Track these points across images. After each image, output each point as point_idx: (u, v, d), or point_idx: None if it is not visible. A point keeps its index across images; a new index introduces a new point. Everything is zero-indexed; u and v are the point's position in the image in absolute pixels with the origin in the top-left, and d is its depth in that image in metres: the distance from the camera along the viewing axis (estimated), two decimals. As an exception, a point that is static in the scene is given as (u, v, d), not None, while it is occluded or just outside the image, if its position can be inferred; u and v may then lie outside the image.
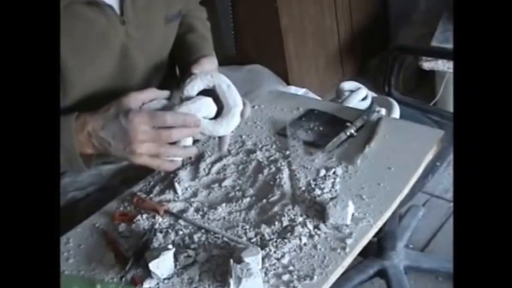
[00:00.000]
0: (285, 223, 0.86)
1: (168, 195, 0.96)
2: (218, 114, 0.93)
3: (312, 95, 1.69)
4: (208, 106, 0.92)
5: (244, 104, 0.94)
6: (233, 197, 0.95)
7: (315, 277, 0.77)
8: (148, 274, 0.80)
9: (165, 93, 0.92)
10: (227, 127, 0.93)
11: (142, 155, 0.87)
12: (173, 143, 0.89)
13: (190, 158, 1.03)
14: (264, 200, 0.92)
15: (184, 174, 1.00)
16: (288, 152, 1.03)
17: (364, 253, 1.11)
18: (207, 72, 0.94)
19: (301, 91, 1.77)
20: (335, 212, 0.84)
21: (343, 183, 0.94)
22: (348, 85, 1.46)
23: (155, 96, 0.91)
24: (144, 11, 1.01)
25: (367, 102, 1.41)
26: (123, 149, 0.86)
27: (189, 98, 0.92)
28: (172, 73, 1.20)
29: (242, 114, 0.94)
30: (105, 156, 0.97)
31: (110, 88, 1.00)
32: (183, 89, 0.93)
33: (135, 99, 0.88)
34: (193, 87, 0.92)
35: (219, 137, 0.97)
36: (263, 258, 0.80)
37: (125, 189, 1.00)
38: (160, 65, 1.11)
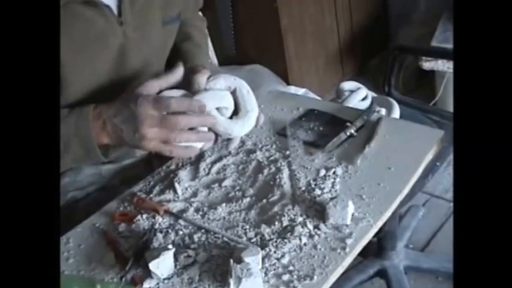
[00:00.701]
0: (285, 223, 0.86)
1: (168, 195, 0.96)
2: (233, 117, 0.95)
3: (312, 95, 1.69)
4: (223, 97, 0.92)
5: (259, 113, 0.96)
6: (233, 197, 0.95)
7: (315, 277, 0.77)
8: (148, 274, 0.80)
9: (179, 75, 0.92)
10: (242, 128, 0.94)
11: (153, 140, 0.86)
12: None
13: (190, 158, 1.03)
14: (264, 200, 0.92)
15: (184, 174, 1.00)
16: (288, 152, 1.03)
17: (364, 253, 1.11)
18: (231, 75, 0.95)
19: (301, 91, 1.77)
20: (335, 212, 0.84)
21: (343, 183, 0.94)
22: (348, 85, 1.45)
23: (169, 83, 0.91)
24: (141, 12, 1.01)
25: (367, 102, 1.41)
26: (133, 134, 0.86)
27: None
28: None
29: (257, 121, 0.95)
30: (117, 148, 0.98)
31: (107, 88, 1.00)
32: (206, 83, 0.94)
33: (151, 86, 0.88)
34: (215, 84, 0.93)
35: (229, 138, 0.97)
36: (263, 258, 0.80)
37: (124, 189, 1.00)
38: (158, 68, 1.11)
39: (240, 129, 0.94)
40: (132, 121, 0.85)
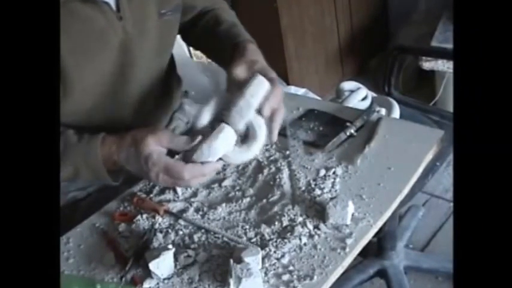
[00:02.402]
0: (285, 223, 0.86)
1: (168, 195, 0.96)
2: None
3: (312, 95, 1.70)
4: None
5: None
6: (233, 197, 0.95)
7: (315, 277, 0.77)
8: (148, 274, 0.80)
9: (182, 139, 0.90)
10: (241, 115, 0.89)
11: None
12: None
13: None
14: (264, 200, 0.92)
15: (184, 174, 1.00)
16: (288, 152, 1.03)
17: (364, 253, 1.11)
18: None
19: (301, 91, 1.77)
20: (335, 212, 0.84)
21: (343, 183, 0.94)
22: (348, 85, 1.46)
23: (177, 147, 0.90)
24: (139, 6, 1.00)
25: (367, 102, 1.41)
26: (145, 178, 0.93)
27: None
28: (174, 70, 1.20)
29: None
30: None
31: (111, 85, 1.00)
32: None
33: (155, 142, 0.88)
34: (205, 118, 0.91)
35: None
36: (263, 258, 0.80)
37: (125, 189, 1.00)
38: (160, 61, 1.11)
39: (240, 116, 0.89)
40: (144, 176, 0.90)
